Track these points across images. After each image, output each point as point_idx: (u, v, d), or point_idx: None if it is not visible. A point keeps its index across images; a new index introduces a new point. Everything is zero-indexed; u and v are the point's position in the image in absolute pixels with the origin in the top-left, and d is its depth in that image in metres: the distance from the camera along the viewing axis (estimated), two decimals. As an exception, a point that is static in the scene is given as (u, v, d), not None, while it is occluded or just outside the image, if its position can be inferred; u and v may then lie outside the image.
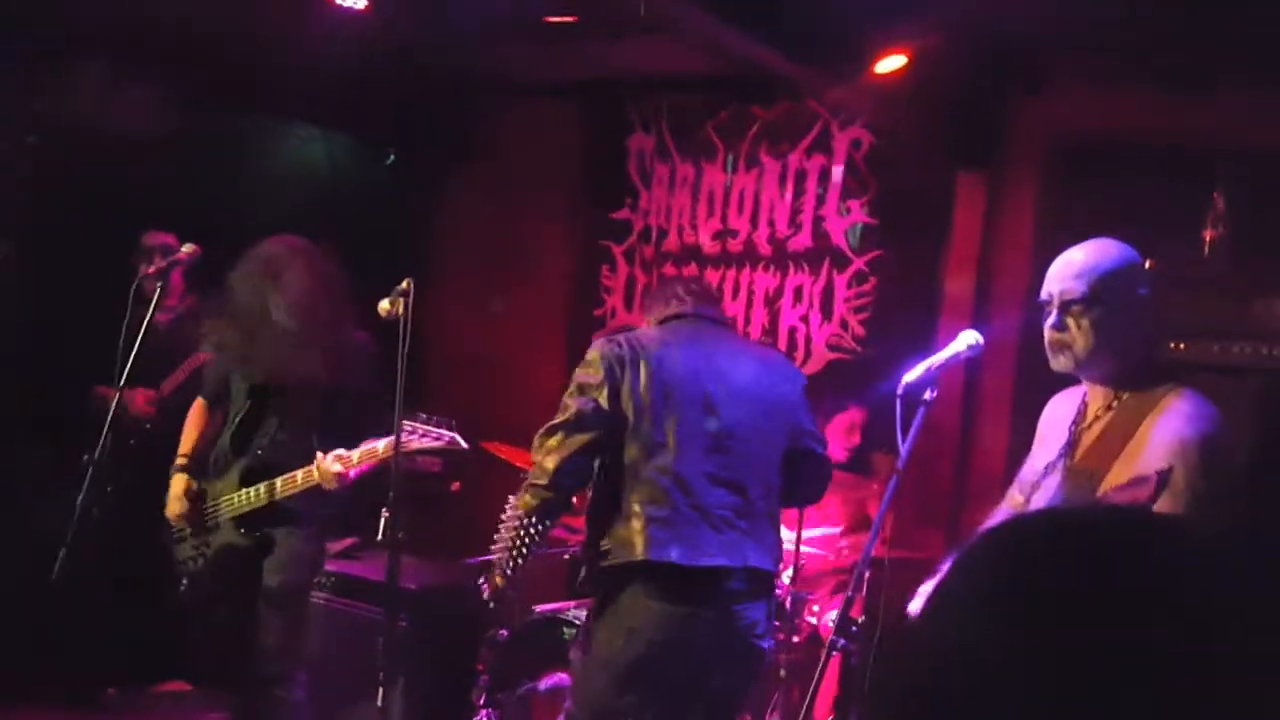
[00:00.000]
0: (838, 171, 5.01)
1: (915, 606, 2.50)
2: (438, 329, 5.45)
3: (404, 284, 3.01)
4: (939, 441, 4.51)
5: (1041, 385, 4.21)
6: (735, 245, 5.23)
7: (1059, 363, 2.35)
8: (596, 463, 2.76)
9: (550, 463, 2.66)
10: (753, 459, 2.78)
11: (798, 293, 5.08)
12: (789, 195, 5.14)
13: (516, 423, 5.41)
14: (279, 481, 3.36)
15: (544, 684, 3.87)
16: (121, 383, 3.24)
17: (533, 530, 2.67)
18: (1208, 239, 3.69)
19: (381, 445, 3.16)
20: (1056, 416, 2.49)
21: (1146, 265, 2.36)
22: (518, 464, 4.60)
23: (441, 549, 4.71)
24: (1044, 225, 4.56)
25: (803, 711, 2.65)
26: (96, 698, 4.35)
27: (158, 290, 3.37)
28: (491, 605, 2.80)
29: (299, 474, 3.30)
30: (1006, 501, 2.59)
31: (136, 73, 4.52)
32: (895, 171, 4.87)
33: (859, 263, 4.99)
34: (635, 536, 2.66)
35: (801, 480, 2.91)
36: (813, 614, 4.22)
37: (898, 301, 4.89)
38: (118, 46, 4.48)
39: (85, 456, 3.16)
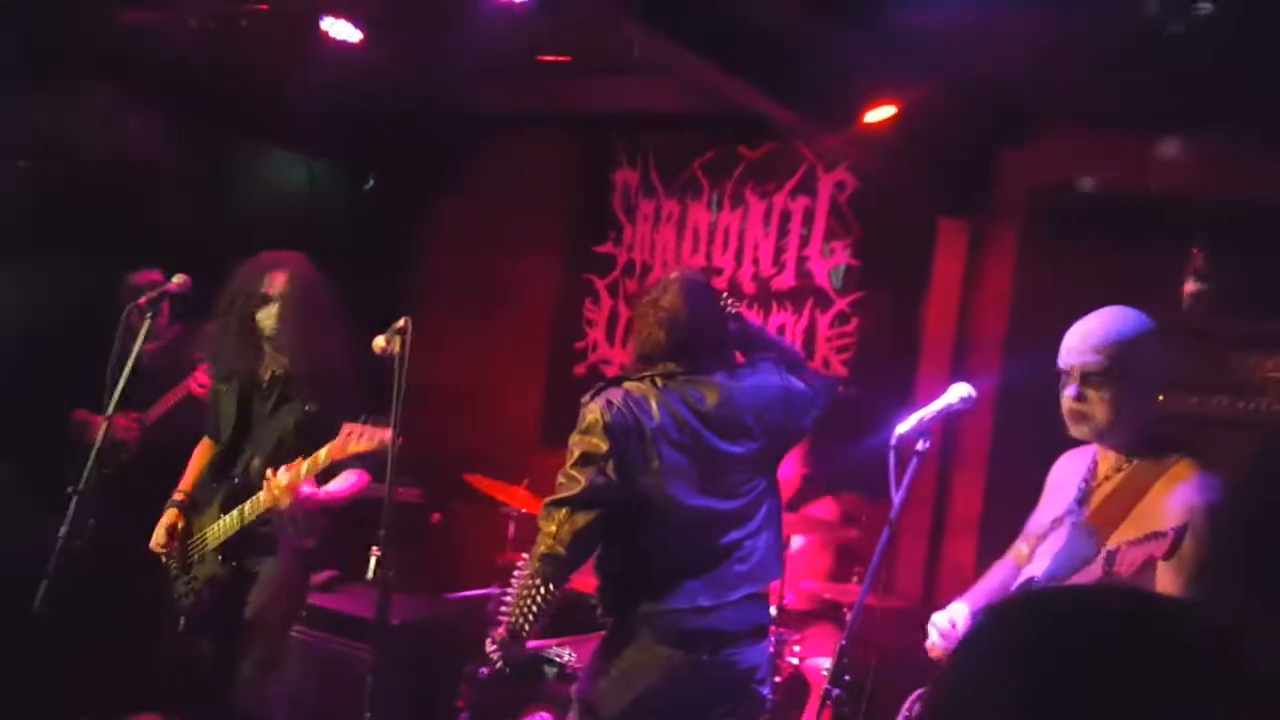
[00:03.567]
0: (822, 212, 5.08)
1: (931, 637, 2.52)
2: (418, 359, 5.44)
3: (401, 321, 3.01)
4: (917, 487, 4.54)
5: (1018, 432, 4.29)
6: (719, 283, 5.27)
7: (1079, 431, 2.40)
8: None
9: (564, 534, 2.65)
10: (759, 490, 2.84)
11: (780, 331, 5.13)
12: (773, 235, 5.20)
13: (497, 454, 5.42)
14: (248, 504, 3.38)
15: (525, 722, 3.85)
16: (110, 412, 3.21)
17: (548, 596, 2.67)
18: (1187, 293, 3.77)
19: (323, 452, 3.23)
20: (1066, 473, 2.54)
21: (1165, 343, 2.38)
22: (498, 497, 4.60)
23: (421, 582, 4.69)
24: (1024, 275, 4.64)
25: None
26: (64, 730, 4.26)
27: (147, 320, 3.34)
28: (500, 667, 2.77)
29: (261, 495, 3.32)
30: (1011, 554, 2.63)
31: (126, 99, 4.50)
32: (879, 215, 4.94)
33: (842, 303, 5.05)
34: (660, 591, 2.72)
35: None
36: (794, 654, 4.24)
37: (879, 343, 4.95)
38: (108, 73, 4.46)
39: (69, 488, 3.11)
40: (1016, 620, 0.84)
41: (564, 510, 2.66)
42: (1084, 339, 2.36)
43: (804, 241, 5.12)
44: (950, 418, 2.77)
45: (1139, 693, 0.74)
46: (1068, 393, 2.36)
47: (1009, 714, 0.76)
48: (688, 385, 2.78)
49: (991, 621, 0.87)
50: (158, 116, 4.78)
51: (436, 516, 5.18)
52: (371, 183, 6.11)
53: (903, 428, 2.68)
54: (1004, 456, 4.56)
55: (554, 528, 2.65)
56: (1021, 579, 2.49)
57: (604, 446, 2.66)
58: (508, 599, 2.73)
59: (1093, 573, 2.18)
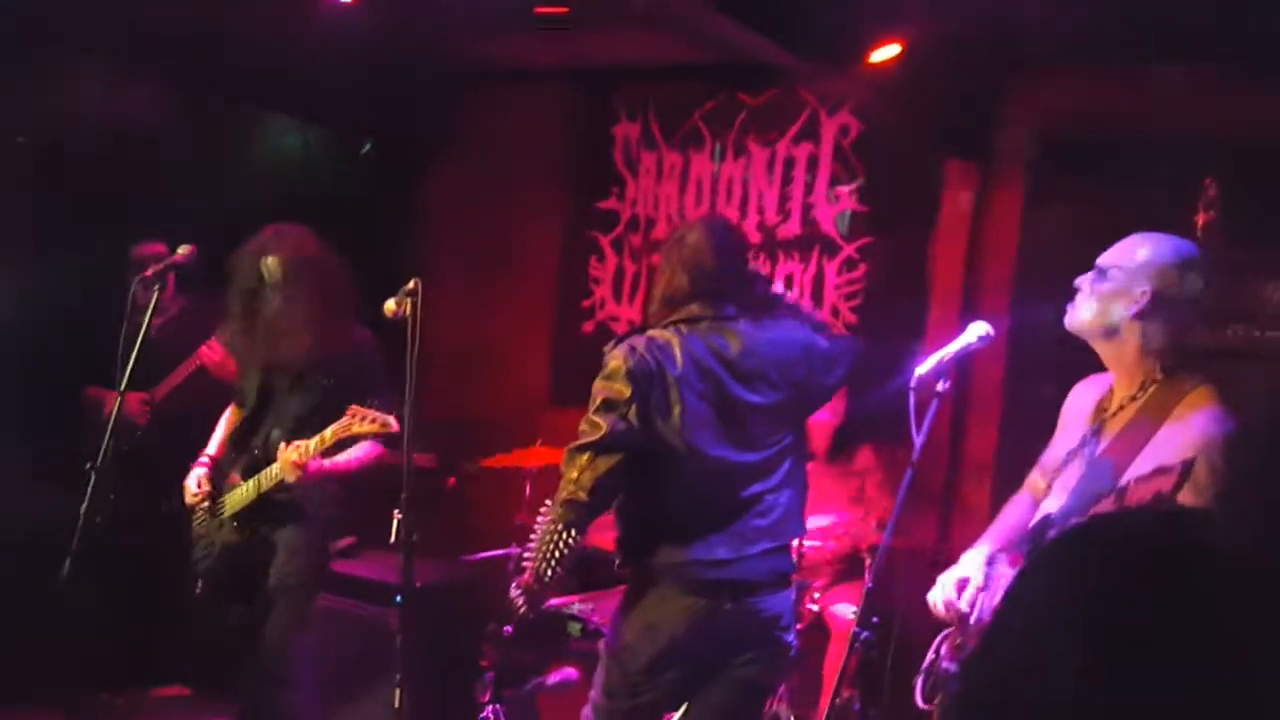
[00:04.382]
0: (826, 158, 5.03)
1: (935, 595, 2.53)
2: (424, 324, 5.41)
3: (411, 284, 2.99)
4: (931, 430, 4.55)
5: (1031, 373, 4.27)
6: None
7: (1067, 316, 2.42)
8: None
9: (586, 479, 2.65)
10: (783, 444, 2.82)
11: (788, 281, 5.10)
12: (777, 183, 5.15)
13: (507, 416, 5.42)
14: (263, 475, 3.40)
15: (551, 679, 3.88)
16: (122, 388, 3.20)
17: (570, 540, 2.67)
18: (1200, 224, 3.74)
19: (329, 431, 3.25)
20: (1081, 403, 2.51)
21: (1195, 274, 2.35)
22: (515, 465, 4.60)
23: (440, 545, 4.69)
24: (1033, 215, 4.60)
25: (827, 705, 2.68)
26: (95, 703, 4.30)
27: (155, 294, 3.31)
28: (524, 612, 2.79)
29: (274, 467, 3.34)
30: (1027, 487, 2.62)
31: (119, 69, 4.44)
32: (884, 158, 4.89)
33: (849, 250, 5.01)
34: (678, 542, 2.71)
35: None
36: (814, 601, 4.27)
37: (888, 288, 4.92)
38: (100, 43, 4.39)
39: (88, 464, 3.11)
40: (1062, 560, 0.86)
41: (586, 455, 2.65)
42: (1121, 243, 2.38)
43: (809, 188, 5.08)
44: (967, 358, 2.76)
45: (1184, 610, 0.75)
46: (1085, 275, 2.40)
47: (1064, 656, 0.77)
48: (711, 332, 2.77)
49: (1038, 565, 0.88)
50: (152, 86, 4.71)
51: (452, 481, 5.17)
52: (369, 147, 6.04)
53: (921, 369, 2.67)
54: (1017, 398, 4.55)
55: (575, 474, 2.65)
56: (1039, 515, 2.48)
57: (626, 392, 2.66)
58: (531, 546, 2.73)
59: (1105, 509, 2.16)
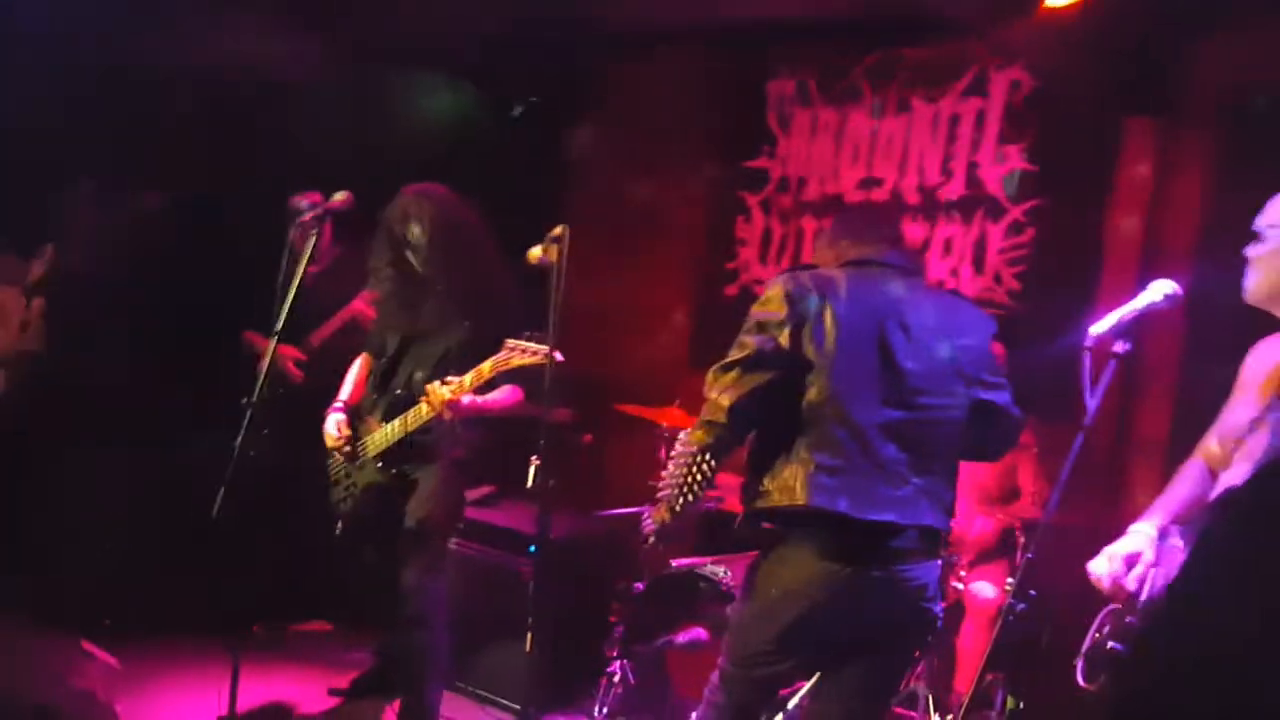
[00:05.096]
0: (995, 115, 4.74)
1: (1100, 567, 2.35)
2: (567, 283, 5.38)
3: (557, 230, 2.95)
4: (1102, 396, 4.27)
5: (1212, 350, 3.93)
6: (880, 194, 5.01)
7: (1244, 290, 2.35)
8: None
9: (726, 400, 2.53)
10: (932, 413, 2.60)
11: (947, 245, 4.85)
12: (941, 141, 4.89)
13: (647, 376, 5.36)
14: (409, 414, 3.43)
15: (681, 637, 3.81)
16: (278, 329, 3.25)
17: (705, 467, 2.56)
18: None
19: (487, 365, 3.20)
20: (1262, 364, 2.30)
21: None
22: (647, 418, 4.54)
23: (572, 501, 4.68)
24: (1218, 175, 4.24)
25: (971, 687, 2.52)
26: (242, 634, 4.45)
27: (311, 239, 3.35)
28: (653, 543, 2.69)
29: (423, 406, 3.36)
30: (1199, 453, 2.41)
31: (283, 22, 4.55)
32: (1058, 116, 4.58)
33: (1015, 212, 4.73)
34: (801, 481, 2.52)
35: (985, 435, 2.73)
36: (959, 579, 4.07)
37: (1056, 254, 4.61)
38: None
39: (244, 400, 3.18)
40: (1246, 522, 0.73)
41: (731, 374, 2.54)
42: (1275, 202, 2.29)
43: (974, 147, 4.80)
44: (1146, 321, 2.54)
45: None
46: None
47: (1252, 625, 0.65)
48: (880, 278, 2.65)
49: (1218, 530, 0.76)
50: (316, 41, 4.81)
51: (588, 438, 5.16)
52: (520, 111, 6.05)
53: (1098, 328, 2.47)
54: (1195, 375, 4.22)
55: (716, 393, 2.54)
56: (1220, 488, 2.25)
57: (781, 313, 2.55)
58: (665, 475, 2.63)
59: None
